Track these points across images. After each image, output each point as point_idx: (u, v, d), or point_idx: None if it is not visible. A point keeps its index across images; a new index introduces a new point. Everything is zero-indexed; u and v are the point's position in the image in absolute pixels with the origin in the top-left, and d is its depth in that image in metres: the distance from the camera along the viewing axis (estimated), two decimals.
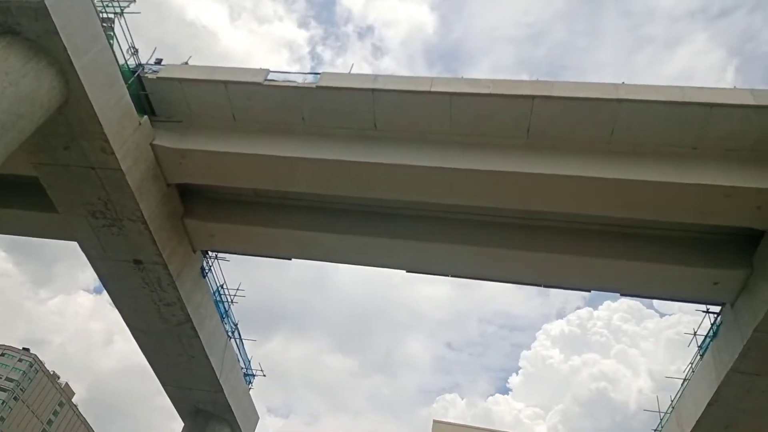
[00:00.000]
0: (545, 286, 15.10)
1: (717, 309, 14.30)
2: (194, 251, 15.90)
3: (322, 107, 13.08)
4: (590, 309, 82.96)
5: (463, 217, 14.37)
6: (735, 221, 12.08)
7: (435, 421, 26.61)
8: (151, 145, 13.32)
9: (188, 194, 15.24)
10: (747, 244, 12.61)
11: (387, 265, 15.66)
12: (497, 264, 14.52)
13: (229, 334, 18.75)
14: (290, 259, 16.23)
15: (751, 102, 11.00)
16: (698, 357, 15.31)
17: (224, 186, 14.77)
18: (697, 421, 14.90)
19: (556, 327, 74.41)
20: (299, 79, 13.19)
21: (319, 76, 13.20)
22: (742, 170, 11.43)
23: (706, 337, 14.93)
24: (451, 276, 15.67)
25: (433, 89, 12.40)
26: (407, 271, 15.66)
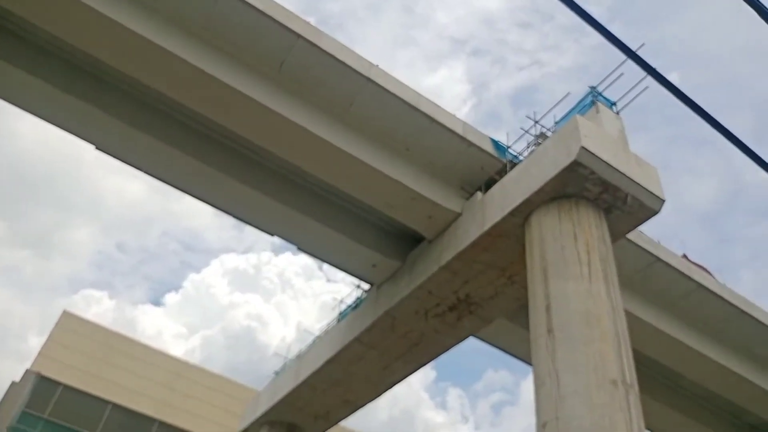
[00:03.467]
0: (235, 216, 15.16)
1: (367, 287, 16.44)
2: None
3: None
4: (272, 254, 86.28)
5: (182, 119, 13.45)
6: (409, 222, 13.98)
7: (65, 312, 24.60)
8: None
9: None
10: (409, 242, 14.75)
11: (75, 132, 13.69)
12: (197, 178, 14.02)
13: None
14: None
15: (459, 131, 12.86)
16: (336, 321, 17.38)
17: None
18: (313, 373, 16.90)
19: (233, 260, 75.98)
20: None
21: None
22: (432, 183, 13.29)
23: (349, 306, 17.03)
24: (146, 173, 14.53)
25: None
26: (97, 148, 13.97)
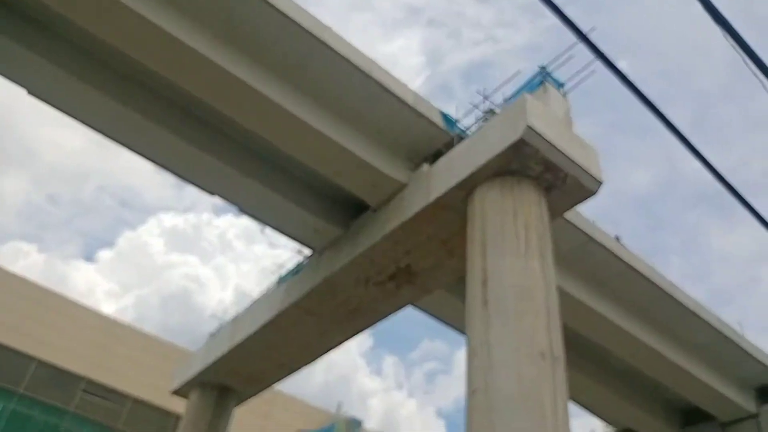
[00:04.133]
0: (175, 174, 14.61)
1: (309, 252, 16.30)
2: None
3: None
4: (213, 215, 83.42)
5: (122, 68, 12.75)
6: (354, 189, 13.84)
7: None
8: None
9: None
10: (353, 210, 14.65)
11: (5, 74, 12.78)
12: (135, 131, 13.41)
13: None
14: None
15: (410, 102, 12.71)
16: (276, 285, 17.20)
17: None
18: (248, 337, 16.76)
19: (171, 219, 72.86)
20: None
21: None
22: (379, 152, 13.15)
23: (289, 271, 16.87)
24: (81, 122, 13.77)
25: None
26: (29, 92, 13.09)
